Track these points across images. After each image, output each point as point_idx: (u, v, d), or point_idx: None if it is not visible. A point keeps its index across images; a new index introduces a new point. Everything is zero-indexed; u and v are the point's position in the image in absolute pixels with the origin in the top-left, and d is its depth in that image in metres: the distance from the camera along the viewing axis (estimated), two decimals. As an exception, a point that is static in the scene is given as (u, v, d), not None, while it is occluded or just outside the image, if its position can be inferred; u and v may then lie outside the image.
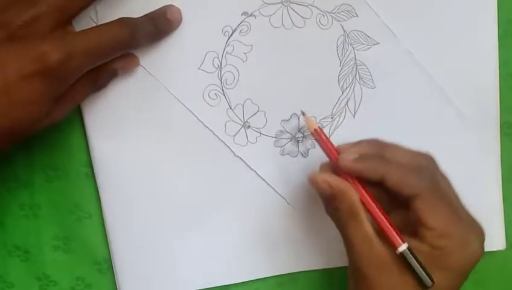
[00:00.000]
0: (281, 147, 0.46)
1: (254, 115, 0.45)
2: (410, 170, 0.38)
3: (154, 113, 0.45)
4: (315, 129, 0.40)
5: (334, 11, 0.44)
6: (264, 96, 0.45)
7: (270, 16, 0.44)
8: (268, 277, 0.48)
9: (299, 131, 0.46)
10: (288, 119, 0.46)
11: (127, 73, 0.44)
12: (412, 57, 0.45)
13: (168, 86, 0.44)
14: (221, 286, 0.48)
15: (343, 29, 0.45)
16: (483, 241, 0.39)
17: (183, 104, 0.45)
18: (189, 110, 0.45)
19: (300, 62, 0.45)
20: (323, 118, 0.46)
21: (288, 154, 0.46)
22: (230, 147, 0.46)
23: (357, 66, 0.45)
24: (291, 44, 0.44)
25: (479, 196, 0.47)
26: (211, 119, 0.45)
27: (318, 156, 0.45)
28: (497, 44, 0.46)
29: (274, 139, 0.46)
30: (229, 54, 0.44)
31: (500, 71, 0.47)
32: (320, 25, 0.45)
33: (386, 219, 0.38)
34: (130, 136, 0.45)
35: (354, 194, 0.38)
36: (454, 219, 0.38)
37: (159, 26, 0.43)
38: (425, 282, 0.37)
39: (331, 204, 0.39)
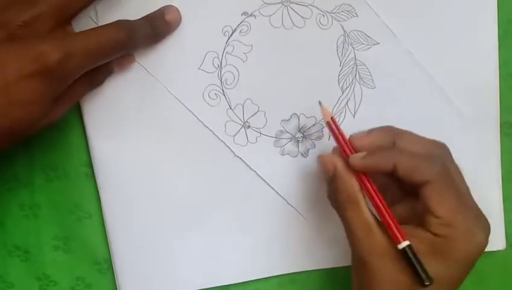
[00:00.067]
0: (281, 147, 0.46)
1: (254, 115, 0.45)
2: (421, 158, 0.38)
3: (154, 113, 0.45)
4: (328, 122, 0.41)
5: (334, 11, 0.44)
6: (264, 96, 0.45)
7: (270, 16, 0.44)
8: (268, 277, 0.48)
9: (299, 131, 0.46)
10: (288, 119, 0.46)
11: (123, 70, 0.44)
12: (412, 57, 0.45)
13: (168, 86, 0.44)
14: (221, 286, 0.48)
15: (343, 29, 0.45)
16: (488, 234, 0.39)
17: (183, 104, 0.45)
18: (189, 110, 0.45)
19: (300, 62, 0.45)
20: (323, 119, 0.45)
21: (288, 154, 0.46)
22: (230, 147, 0.46)
23: (357, 66, 0.45)
24: (291, 44, 0.44)
25: (479, 196, 0.47)
26: (211, 119, 0.45)
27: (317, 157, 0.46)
28: (497, 44, 0.46)
29: (274, 139, 0.46)
30: (229, 54, 0.44)
31: (500, 71, 0.47)
32: (320, 25, 0.45)
33: (389, 213, 0.38)
34: (130, 136, 0.45)
35: (355, 183, 0.39)
36: (461, 209, 0.38)
37: (157, 28, 0.43)
38: (423, 281, 0.37)
39: (333, 186, 0.39)
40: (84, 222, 0.47)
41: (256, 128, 0.46)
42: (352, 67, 0.45)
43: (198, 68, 0.44)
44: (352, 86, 0.45)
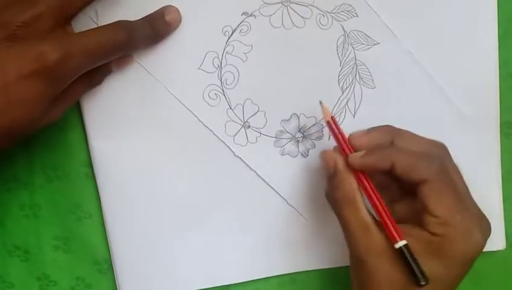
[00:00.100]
0: (281, 147, 0.46)
1: (254, 115, 0.45)
2: (420, 157, 0.39)
3: (154, 113, 0.45)
4: (328, 121, 0.41)
5: (334, 11, 0.44)
6: (264, 96, 0.45)
7: (270, 15, 0.44)
8: (268, 277, 0.48)
9: (299, 131, 0.46)
10: (288, 119, 0.46)
11: (121, 70, 0.44)
12: (412, 57, 0.45)
13: (168, 86, 0.44)
14: (222, 286, 0.48)
15: (343, 29, 0.45)
16: (487, 235, 0.40)
17: (183, 104, 0.45)
18: (189, 110, 0.45)
19: (300, 62, 0.45)
20: (323, 118, 0.45)
21: (288, 154, 0.46)
22: (230, 147, 0.46)
23: (357, 66, 0.45)
24: (291, 44, 0.44)
25: (479, 196, 0.47)
26: (211, 119, 0.45)
27: (318, 156, 0.46)
28: (497, 44, 0.46)
29: (274, 139, 0.46)
30: (229, 54, 0.44)
31: (500, 71, 0.47)
32: (320, 25, 0.45)
33: (386, 212, 0.38)
34: (130, 136, 0.45)
35: (354, 182, 0.39)
36: (459, 208, 0.38)
37: (157, 29, 0.42)
38: (419, 281, 0.37)
39: (332, 183, 0.40)
40: (84, 222, 0.47)
41: (256, 128, 0.46)
42: (352, 67, 0.45)
43: (198, 68, 0.44)
44: (352, 86, 0.45)
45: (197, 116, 0.45)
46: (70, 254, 0.47)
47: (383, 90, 0.46)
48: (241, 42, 0.44)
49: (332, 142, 0.41)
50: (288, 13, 0.44)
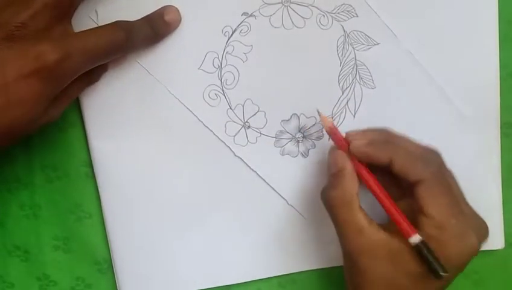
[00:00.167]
0: (281, 147, 0.46)
1: (254, 115, 0.45)
2: (417, 157, 0.39)
3: (154, 113, 0.45)
4: (330, 127, 0.41)
5: (334, 11, 0.44)
6: (264, 97, 0.45)
7: (270, 16, 0.44)
8: (268, 277, 0.48)
9: (299, 131, 0.46)
10: (289, 120, 0.46)
11: (117, 66, 0.44)
12: (412, 57, 0.45)
13: (168, 86, 0.44)
14: (222, 286, 0.48)
15: (344, 30, 0.45)
16: (484, 239, 0.40)
17: (183, 104, 0.45)
18: (190, 111, 0.45)
19: (300, 62, 0.45)
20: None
21: (288, 154, 0.46)
22: (231, 147, 0.46)
23: (357, 66, 0.45)
24: (292, 44, 0.44)
25: (479, 196, 0.47)
26: (211, 120, 0.45)
27: (318, 156, 0.46)
28: (498, 44, 0.46)
29: (274, 139, 0.46)
30: (229, 54, 0.44)
31: (500, 71, 0.46)
32: (321, 25, 0.45)
33: (398, 210, 0.39)
34: (130, 136, 0.45)
35: (356, 186, 0.39)
36: (454, 211, 0.39)
37: (156, 29, 0.42)
38: (439, 272, 0.37)
39: (333, 181, 0.40)
40: (84, 222, 0.47)
41: (257, 129, 0.46)
42: (353, 68, 0.45)
43: (199, 68, 0.44)
44: (353, 86, 0.46)
45: (197, 116, 0.45)
46: (70, 254, 0.47)
47: (383, 90, 0.46)
48: (241, 42, 0.44)
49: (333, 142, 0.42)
50: (289, 13, 0.44)
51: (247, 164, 0.46)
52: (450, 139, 0.47)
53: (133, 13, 0.42)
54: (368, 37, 0.45)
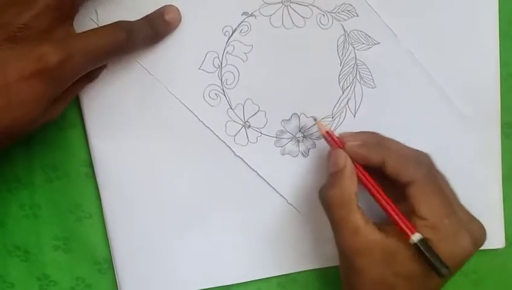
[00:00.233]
0: (282, 146, 0.46)
1: (254, 114, 0.45)
2: (409, 159, 0.40)
3: (155, 113, 0.45)
4: (327, 132, 0.42)
5: (334, 11, 0.44)
6: (265, 96, 0.45)
7: (271, 15, 0.44)
8: (268, 277, 0.48)
9: (300, 131, 0.46)
10: (289, 119, 0.46)
11: (116, 64, 0.44)
12: (413, 56, 0.45)
13: (168, 86, 0.44)
14: (222, 286, 0.48)
15: (344, 29, 0.45)
16: (480, 240, 0.40)
17: (184, 104, 0.45)
18: (190, 110, 0.45)
19: (300, 62, 0.45)
20: (324, 118, 0.46)
21: (288, 154, 0.46)
22: (231, 147, 0.46)
23: (357, 65, 0.45)
24: (292, 44, 0.44)
25: (479, 196, 0.47)
26: (211, 119, 0.45)
27: (318, 156, 0.46)
28: (498, 44, 0.46)
29: (274, 139, 0.46)
30: (230, 54, 0.44)
31: (500, 71, 0.47)
32: (321, 24, 0.45)
33: (396, 210, 0.39)
34: (130, 136, 0.45)
35: (355, 186, 0.40)
36: (446, 212, 0.39)
37: (156, 28, 0.42)
38: (440, 270, 0.37)
39: (333, 180, 0.40)
40: (84, 221, 0.47)
41: (257, 128, 0.46)
42: (353, 67, 0.45)
43: (199, 68, 0.44)
44: (353, 86, 0.46)
45: (197, 116, 0.45)
46: (70, 254, 0.47)
47: (384, 90, 0.46)
48: (241, 42, 0.44)
49: (333, 142, 0.42)
50: (289, 13, 0.44)
51: (247, 164, 0.46)
52: (450, 139, 0.47)
53: (133, 13, 0.42)
54: (368, 36, 0.45)
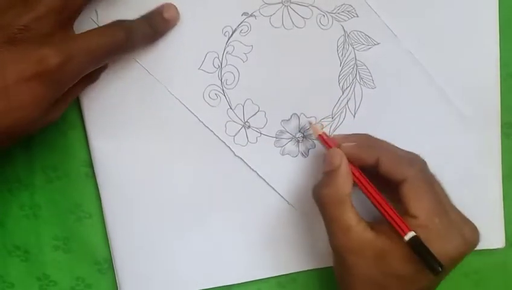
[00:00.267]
0: (281, 147, 0.46)
1: (254, 115, 0.45)
2: (402, 158, 0.41)
3: (155, 113, 0.45)
4: (320, 135, 0.43)
5: (334, 12, 0.44)
6: (265, 97, 0.45)
7: (271, 16, 0.44)
8: (268, 277, 0.48)
9: (299, 131, 0.46)
10: (289, 120, 0.46)
11: (116, 64, 0.44)
12: (413, 57, 0.45)
13: (168, 86, 0.44)
14: (222, 286, 0.48)
15: (344, 30, 0.45)
16: (473, 241, 0.40)
17: (184, 104, 0.45)
18: (190, 111, 0.45)
19: (300, 62, 0.45)
20: (324, 118, 0.46)
21: (288, 154, 0.46)
22: (231, 147, 0.46)
23: (357, 66, 0.45)
24: (292, 44, 0.44)
25: (479, 196, 0.47)
26: (211, 120, 0.45)
27: (318, 156, 0.46)
28: (498, 44, 0.46)
29: (274, 139, 0.46)
30: (230, 54, 0.44)
31: (500, 71, 0.47)
32: (321, 25, 0.45)
33: (391, 209, 0.39)
34: (130, 136, 0.45)
35: (349, 186, 0.40)
36: (438, 211, 0.39)
37: (155, 26, 0.42)
38: (435, 268, 0.37)
39: (328, 179, 0.41)
40: (84, 222, 0.47)
41: (257, 129, 0.46)
42: (353, 68, 0.45)
43: (199, 68, 0.44)
44: (353, 86, 0.46)
45: (197, 116, 0.45)
46: (70, 254, 0.47)
47: (383, 90, 0.46)
48: (241, 42, 0.44)
49: (333, 143, 0.42)
50: (289, 13, 0.44)
51: (247, 164, 0.46)
52: (450, 139, 0.47)
53: (133, 13, 0.42)
54: (368, 37, 0.45)
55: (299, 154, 0.46)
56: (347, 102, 0.46)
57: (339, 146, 0.41)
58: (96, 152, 0.45)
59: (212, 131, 0.45)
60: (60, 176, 0.46)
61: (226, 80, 0.45)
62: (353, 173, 0.40)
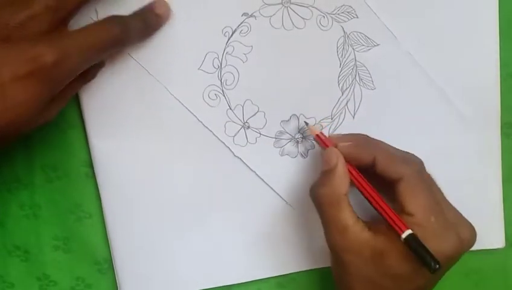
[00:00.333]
0: (281, 147, 0.46)
1: (254, 115, 0.45)
2: (398, 157, 0.41)
3: (154, 114, 0.45)
4: (317, 135, 0.43)
5: (334, 12, 0.44)
6: (264, 97, 0.45)
7: (271, 16, 0.44)
8: (268, 277, 0.48)
9: (299, 132, 0.46)
10: (288, 120, 0.46)
11: (114, 61, 0.43)
12: (412, 58, 0.45)
13: (168, 86, 0.44)
14: (223, 286, 0.48)
15: (343, 31, 0.45)
16: (467, 241, 0.41)
17: (183, 105, 0.45)
18: (189, 111, 0.45)
19: (300, 63, 0.45)
20: (323, 119, 0.46)
21: (287, 154, 0.46)
22: (230, 148, 0.46)
23: (357, 67, 0.45)
24: (292, 45, 0.44)
25: (479, 195, 0.47)
26: (210, 120, 0.45)
27: (317, 156, 0.46)
28: (498, 44, 0.46)
29: (274, 139, 0.46)
30: (229, 54, 0.44)
31: (500, 71, 0.46)
32: (321, 26, 0.44)
33: (388, 208, 0.39)
34: (130, 136, 0.45)
35: (346, 186, 0.40)
36: (434, 209, 0.39)
37: (147, 22, 0.42)
38: (431, 266, 0.37)
39: (325, 178, 0.41)
40: (84, 222, 0.47)
41: (256, 129, 0.46)
42: (352, 69, 0.45)
43: (198, 68, 0.44)
44: (352, 87, 0.45)
45: (196, 117, 0.45)
46: (70, 254, 0.47)
47: (383, 91, 0.46)
48: (241, 43, 0.44)
49: (332, 143, 0.42)
50: (289, 14, 0.44)
51: (246, 164, 0.46)
52: (450, 139, 0.47)
53: (131, 12, 0.42)
54: (368, 38, 0.45)
55: (298, 155, 0.46)
56: (347, 103, 0.46)
57: (335, 146, 0.41)
58: (96, 152, 0.45)
59: (211, 131, 0.45)
60: (60, 175, 0.46)
61: (226, 80, 0.45)
62: (350, 172, 0.41)
